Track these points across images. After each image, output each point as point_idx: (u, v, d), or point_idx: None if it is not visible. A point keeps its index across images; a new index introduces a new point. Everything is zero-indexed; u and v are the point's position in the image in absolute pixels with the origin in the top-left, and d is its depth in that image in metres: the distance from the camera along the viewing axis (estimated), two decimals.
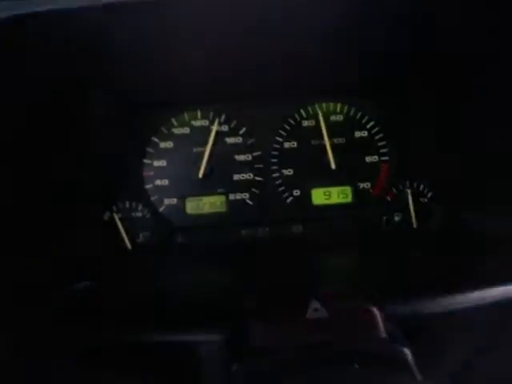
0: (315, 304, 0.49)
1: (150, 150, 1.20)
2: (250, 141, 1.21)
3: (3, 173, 0.80)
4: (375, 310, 0.50)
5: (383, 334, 0.49)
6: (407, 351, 0.47)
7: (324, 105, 1.21)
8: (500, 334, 0.57)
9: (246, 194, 1.21)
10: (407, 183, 1.21)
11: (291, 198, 1.21)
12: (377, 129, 1.22)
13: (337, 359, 0.45)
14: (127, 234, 1.17)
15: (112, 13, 0.63)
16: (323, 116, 1.20)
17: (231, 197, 1.20)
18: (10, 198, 0.83)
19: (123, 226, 1.17)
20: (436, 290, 0.61)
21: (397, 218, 1.21)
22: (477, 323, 0.58)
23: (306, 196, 1.21)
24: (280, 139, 1.21)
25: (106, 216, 1.17)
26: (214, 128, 1.19)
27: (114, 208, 1.18)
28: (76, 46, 0.75)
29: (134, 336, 0.58)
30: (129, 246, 1.17)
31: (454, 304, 0.59)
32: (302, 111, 1.21)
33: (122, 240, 1.16)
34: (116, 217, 1.17)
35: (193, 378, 0.53)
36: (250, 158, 1.21)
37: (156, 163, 1.20)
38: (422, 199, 1.21)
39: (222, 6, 0.69)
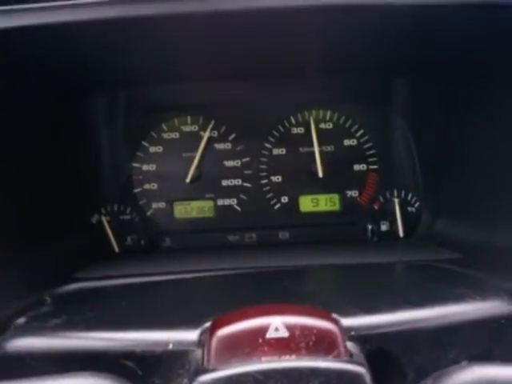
0: (276, 323, 0.50)
1: (139, 154, 1.21)
2: (239, 147, 1.21)
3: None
4: (337, 330, 0.51)
5: (344, 354, 0.50)
6: (367, 373, 0.47)
7: (314, 112, 1.21)
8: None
9: (234, 200, 1.21)
10: (395, 192, 1.22)
11: (279, 205, 1.22)
12: (366, 137, 1.21)
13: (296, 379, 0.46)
14: (115, 236, 1.18)
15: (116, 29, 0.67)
16: (313, 123, 1.20)
17: (219, 202, 1.21)
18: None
19: (111, 228, 1.18)
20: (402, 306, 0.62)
21: (383, 227, 1.21)
22: (443, 343, 0.58)
23: (294, 203, 1.22)
24: (269, 146, 1.21)
25: (95, 219, 1.19)
26: (206, 134, 1.19)
27: (103, 211, 1.20)
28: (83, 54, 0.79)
29: None
30: (116, 248, 1.18)
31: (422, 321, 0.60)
32: (291, 118, 1.21)
33: (110, 242, 1.18)
34: (104, 219, 1.19)
35: None
36: (238, 164, 1.21)
37: (145, 167, 1.20)
38: (409, 208, 1.21)
39: (216, 23, 0.70)
